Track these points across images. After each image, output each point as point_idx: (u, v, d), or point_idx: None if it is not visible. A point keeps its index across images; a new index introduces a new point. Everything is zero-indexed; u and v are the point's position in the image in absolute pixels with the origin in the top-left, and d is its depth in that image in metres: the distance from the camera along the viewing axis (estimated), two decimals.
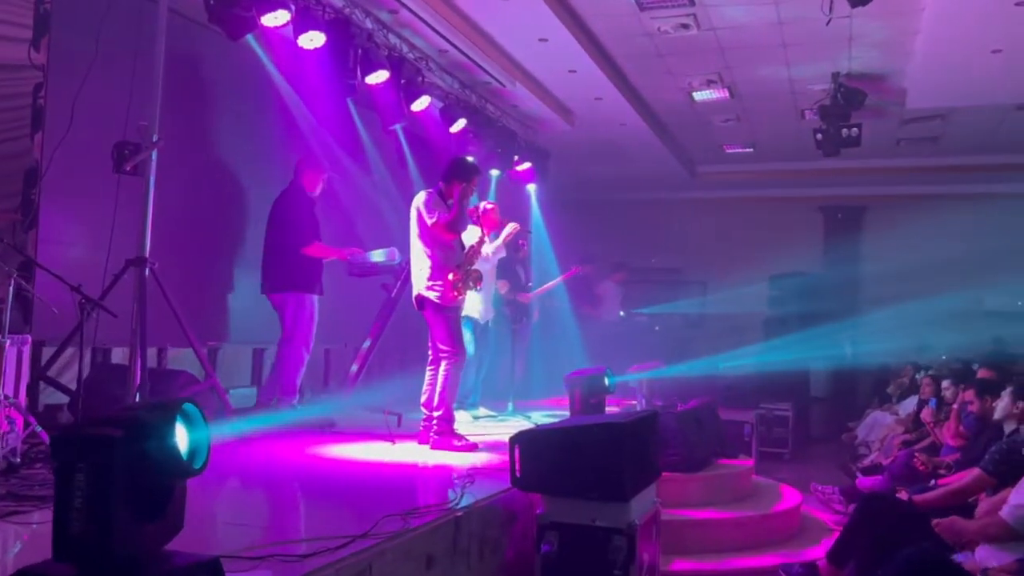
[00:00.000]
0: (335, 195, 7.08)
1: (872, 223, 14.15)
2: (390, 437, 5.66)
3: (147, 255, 4.70)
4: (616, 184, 13.79)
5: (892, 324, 12.46)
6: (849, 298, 13.50)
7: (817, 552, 5.63)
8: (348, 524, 3.11)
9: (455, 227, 5.61)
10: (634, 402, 7.66)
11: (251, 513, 3.58)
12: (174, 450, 1.97)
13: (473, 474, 4.47)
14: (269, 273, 6.24)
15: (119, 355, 5.97)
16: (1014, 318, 12.59)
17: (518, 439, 3.88)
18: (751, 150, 12.65)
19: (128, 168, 4.59)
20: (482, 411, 7.48)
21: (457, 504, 3.64)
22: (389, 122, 7.10)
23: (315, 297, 6.32)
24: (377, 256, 6.52)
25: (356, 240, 6.95)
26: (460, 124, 8.07)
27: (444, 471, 4.87)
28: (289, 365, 6.21)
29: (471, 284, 5.76)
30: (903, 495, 4.88)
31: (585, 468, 3.76)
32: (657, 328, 13.33)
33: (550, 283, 9.15)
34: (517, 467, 3.85)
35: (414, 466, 5.06)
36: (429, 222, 5.58)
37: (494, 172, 9.58)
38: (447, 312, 5.64)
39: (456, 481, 4.31)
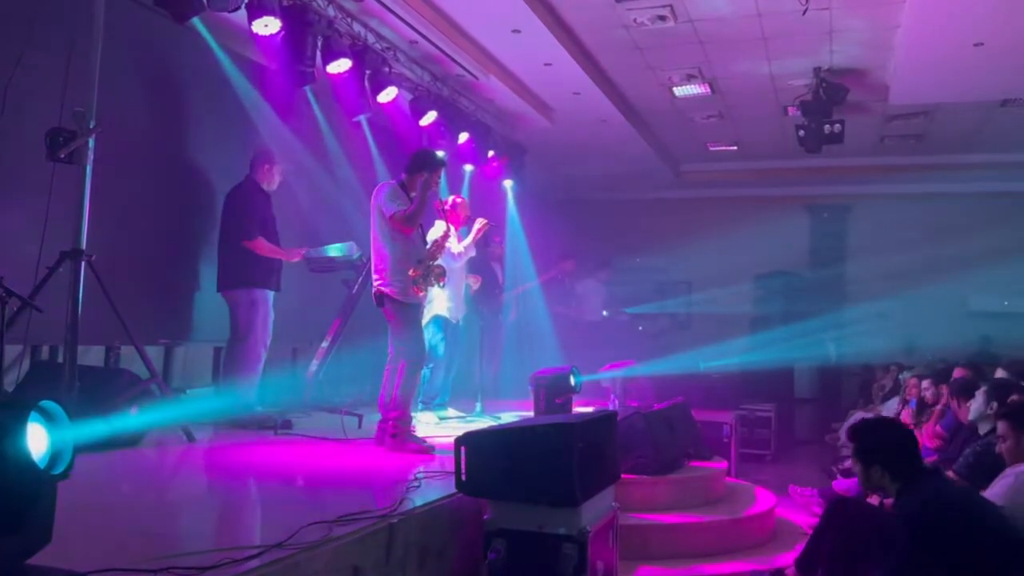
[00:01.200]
0: (292, 191, 6.84)
1: (857, 222, 14.00)
2: (346, 439, 5.43)
3: (83, 247, 4.47)
4: (599, 183, 13.67)
5: (877, 324, 12.38)
6: (834, 298, 13.38)
7: (790, 558, 5.44)
8: (269, 532, 2.89)
9: (413, 220, 5.40)
10: (607, 403, 7.43)
11: (161, 520, 3.32)
12: (24, 453, 1.76)
13: (422, 477, 4.25)
14: (221, 270, 6.02)
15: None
16: (999, 318, 12.46)
17: (464, 440, 3.68)
18: (735, 148, 12.52)
19: (63, 156, 4.37)
20: (450, 412, 7.26)
21: (394, 509, 3.42)
22: (352, 113, 6.88)
23: (269, 293, 6.09)
24: (334, 250, 6.29)
25: (317, 239, 6.69)
26: (430, 117, 7.86)
27: (391, 474, 4.63)
28: (244, 366, 5.98)
29: (433, 280, 5.54)
30: (875, 499, 4.67)
31: (533, 471, 3.55)
32: (640, 328, 13.18)
33: (529, 283, 8.93)
34: (463, 470, 3.64)
35: (360, 469, 4.82)
36: (387, 214, 5.37)
37: (467, 167, 9.36)
38: (406, 309, 5.43)
39: (400, 485, 4.07)
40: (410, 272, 5.37)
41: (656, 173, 13.22)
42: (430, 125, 7.90)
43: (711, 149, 12.58)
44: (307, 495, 4.07)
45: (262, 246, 6.02)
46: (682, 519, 5.47)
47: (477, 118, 8.89)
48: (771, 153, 12.57)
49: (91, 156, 4.49)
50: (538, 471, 3.54)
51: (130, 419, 4.82)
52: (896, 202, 13.21)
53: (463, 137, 8.52)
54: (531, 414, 6.40)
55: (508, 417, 7.34)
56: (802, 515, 6.87)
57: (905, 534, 3.26)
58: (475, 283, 7.50)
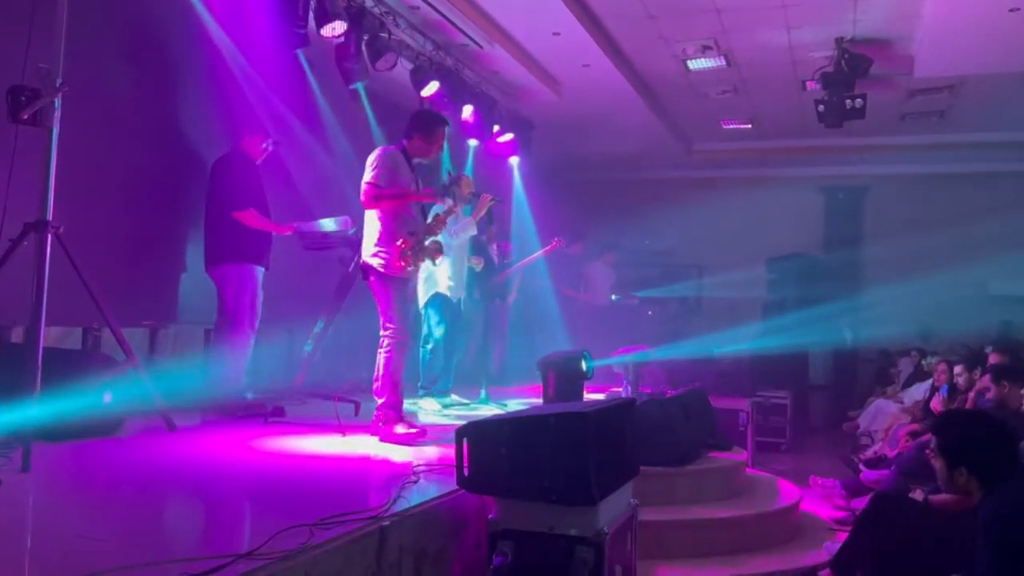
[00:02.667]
0: (282, 164, 6.41)
1: (874, 203, 13.59)
2: (340, 428, 5.02)
3: (49, 218, 4.06)
4: (607, 163, 13.30)
5: (894, 309, 11.97)
6: (849, 281, 12.99)
7: (818, 557, 5.06)
8: (238, 538, 2.50)
9: (378, 201, 4.96)
10: (619, 389, 7.04)
11: (123, 525, 2.89)
12: None
13: (419, 472, 3.83)
14: (208, 246, 5.63)
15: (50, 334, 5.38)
16: (1020, 302, 12.03)
17: (466, 432, 3.28)
18: (749, 126, 12.16)
19: (25, 117, 3.96)
20: (453, 398, 6.87)
21: (387, 510, 3.02)
22: (349, 80, 6.46)
23: (259, 269, 5.68)
24: (327, 225, 5.86)
25: (309, 216, 6.24)
26: (432, 87, 7.45)
27: (385, 469, 4.19)
28: (232, 349, 5.59)
29: (425, 257, 5.08)
30: (918, 494, 4.27)
31: (544, 466, 3.15)
32: (650, 313, 12.82)
33: (530, 257, 8.49)
34: (465, 465, 3.25)
35: (354, 462, 4.38)
36: (363, 179, 4.96)
37: (472, 142, 8.93)
38: (392, 283, 4.98)
39: (395, 481, 3.63)
40: (399, 243, 4.94)
41: (667, 152, 12.87)
42: (432, 96, 7.49)
43: (725, 127, 12.21)
44: (288, 493, 3.62)
45: (253, 217, 5.61)
46: (702, 514, 5.09)
47: (482, 90, 8.46)
48: (786, 131, 12.24)
49: (58, 117, 4.08)
50: (550, 466, 3.14)
51: (103, 405, 4.43)
52: (914, 182, 12.82)
53: (467, 110, 8.10)
54: (539, 401, 6.01)
55: (514, 404, 6.97)
56: (825, 508, 6.52)
57: (992, 543, 2.82)
58: (478, 264, 7.07)
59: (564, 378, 5.41)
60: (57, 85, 4.06)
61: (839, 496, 6.80)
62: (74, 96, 4.25)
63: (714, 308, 13.54)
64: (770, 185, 13.27)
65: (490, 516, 3.29)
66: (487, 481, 3.26)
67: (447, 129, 5.28)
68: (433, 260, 5.11)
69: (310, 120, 6.92)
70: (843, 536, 5.66)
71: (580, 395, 5.65)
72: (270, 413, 5.48)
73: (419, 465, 3.95)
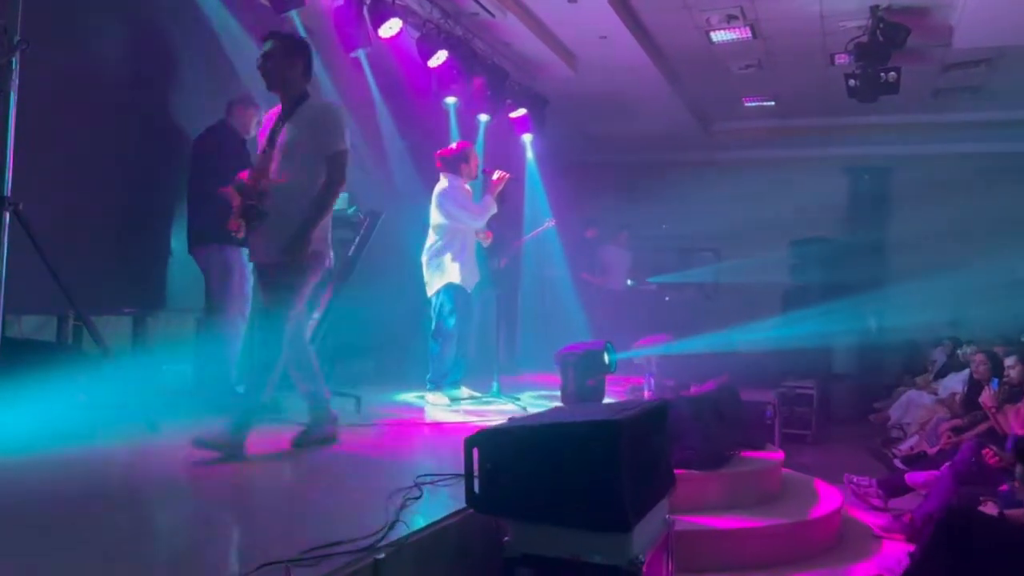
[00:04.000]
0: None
1: (900, 185, 13.02)
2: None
3: (7, 194, 3.61)
4: (622, 144, 12.87)
5: (921, 295, 11.48)
6: (874, 266, 12.47)
7: (864, 569, 4.59)
8: None
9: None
10: (640, 381, 6.54)
11: (49, 553, 2.41)
12: None
13: (423, 484, 3.30)
14: (191, 226, 5.16)
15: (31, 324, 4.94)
16: None
17: (477, 441, 2.79)
18: (772, 103, 11.68)
19: None
20: (464, 392, 6.40)
21: (382, 538, 2.53)
22: (349, 47, 5.96)
23: (246, 252, 5.20)
24: None
25: None
26: (440, 57, 6.94)
27: (382, 483, 3.48)
28: (220, 340, 5.12)
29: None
30: (989, 508, 3.78)
31: (569, 484, 2.67)
32: (667, 299, 12.40)
33: (524, 238, 7.95)
34: (476, 480, 2.77)
35: (345, 474, 3.85)
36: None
37: (483, 117, 8.42)
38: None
39: (395, 497, 3.08)
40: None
41: (685, 132, 12.41)
42: (440, 67, 6.98)
43: (746, 104, 11.74)
44: (267, 518, 3.09)
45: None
46: (738, 523, 4.59)
47: (494, 61, 7.94)
48: (810, 109, 11.77)
49: (15, 80, 3.63)
50: (576, 484, 2.65)
51: (75, 406, 3.97)
52: (944, 162, 12.24)
53: (477, 83, 7.59)
54: (556, 393, 5.53)
55: (528, 398, 6.49)
56: (861, 509, 6.03)
57: None
58: (486, 239, 6.55)
59: (585, 372, 4.92)
60: (15, 43, 3.61)
61: (875, 496, 6.34)
62: (39, 58, 3.81)
63: (732, 294, 13.06)
64: (791, 166, 12.83)
65: (504, 539, 2.81)
66: (501, 500, 2.77)
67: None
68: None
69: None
70: (890, 545, 5.25)
71: (602, 390, 5.18)
72: (268, 412, 4.98)
73: (422, 476, 3.42)
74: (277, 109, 4.23)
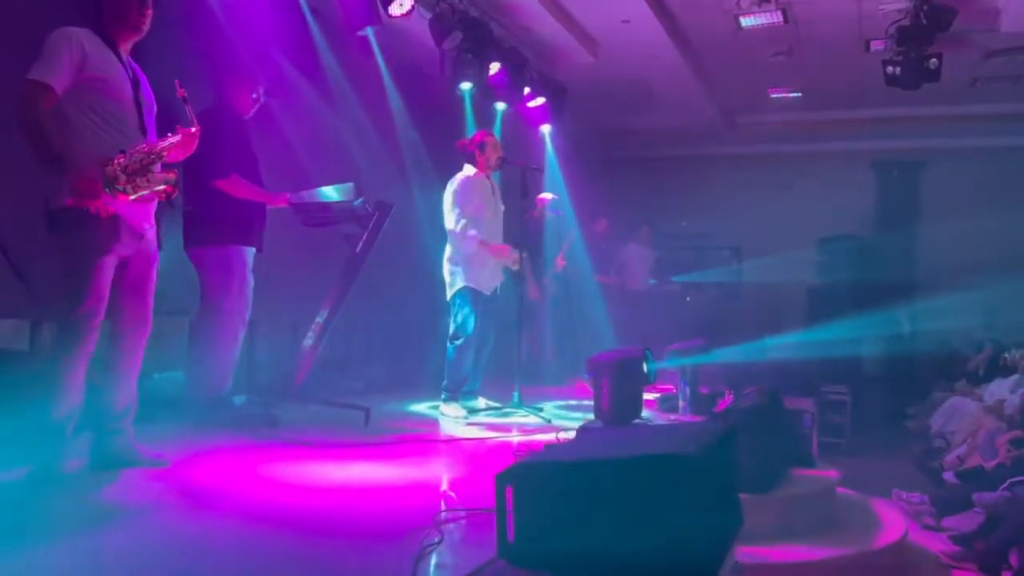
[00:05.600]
0: (278, 123, 5.40)
1: (932, 181, 12.56)
2: (342, 445, 4.02)
3: None
4: (644, 136, 12.48)
5: (955, 297, 11.00)
6: (905, 266, 12.05)
7: None
8: None
9: None
10: (672, 392, 6.00)
11: None
12: None
13: (445, 526, 2.75)
14: (186, 222, 4.68)
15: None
16: None
17: (511, 478, 2.25)
18: (799, 95, 11.30)
19: None
20: (481, 402, 5.89)
21: None
22: (356, 25, 5.47)
23: (248, 251, 4.76)
24: (329, 194, 4.81)
25: (310, 185, 5.20)
26: (454, 40, 6.44)
27: (396, 519, 2.97)
28: (216, 344, 4.64)
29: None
30: None
31: (629, 532, 2.14)
32: (688, 299, 11.94)
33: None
34: (510, 527, 2.23)
35: (352, 506, 3.22)
36: None
37: (500, 105, 7.93)
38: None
39: (411, 543, 2.52)
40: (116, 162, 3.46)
41: (708, 126, 12.06)
42: (454, 49, 6.48)
43: (772, 96, 11.34)
44: (256, 569, 2.52)
45: (238, 185, 4.65)
46: (794, 555, 4.05)
47: (512, 46, 7.45)
48: (838, 101, 11.42)
49: None
50: (638, 533, 2.12)
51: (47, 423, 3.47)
52: (977, 156, 11.82)
53: (494, 68, 7.10)
54: (586, 404, 5.00)
55: (551, 408, 5.97)
56: (914, 529, 5.50)
57: None
58: (515, 263, 6.02)
59: (622, 382, 4.37)
60: None
61: (928, 515, 5.85)
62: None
63: (755, 293, 12.56)
64: (817, 161, 12.45)
65: None
66: (543, 553, 2.23)
67: None
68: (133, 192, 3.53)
69: (310, 71, 5.87)
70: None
71: (639, 403, 4.66)
72: (263, 423, 4.52)
73: (444, 513, 2.85)
74: None
